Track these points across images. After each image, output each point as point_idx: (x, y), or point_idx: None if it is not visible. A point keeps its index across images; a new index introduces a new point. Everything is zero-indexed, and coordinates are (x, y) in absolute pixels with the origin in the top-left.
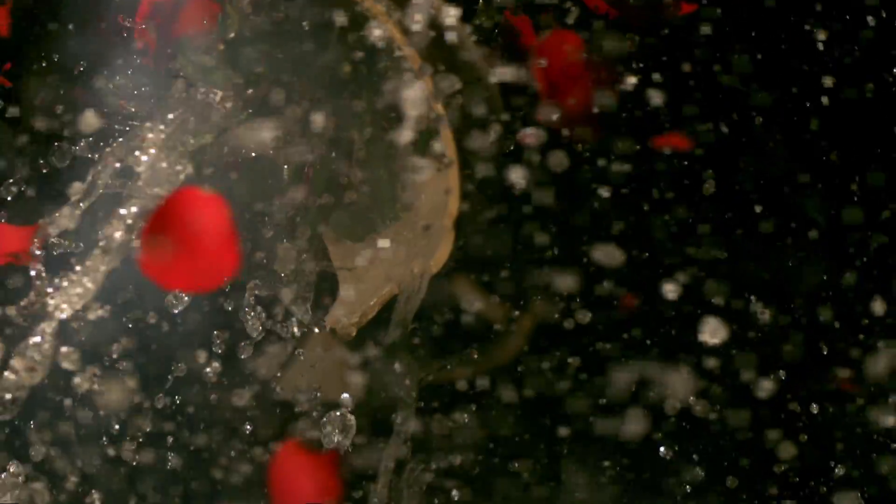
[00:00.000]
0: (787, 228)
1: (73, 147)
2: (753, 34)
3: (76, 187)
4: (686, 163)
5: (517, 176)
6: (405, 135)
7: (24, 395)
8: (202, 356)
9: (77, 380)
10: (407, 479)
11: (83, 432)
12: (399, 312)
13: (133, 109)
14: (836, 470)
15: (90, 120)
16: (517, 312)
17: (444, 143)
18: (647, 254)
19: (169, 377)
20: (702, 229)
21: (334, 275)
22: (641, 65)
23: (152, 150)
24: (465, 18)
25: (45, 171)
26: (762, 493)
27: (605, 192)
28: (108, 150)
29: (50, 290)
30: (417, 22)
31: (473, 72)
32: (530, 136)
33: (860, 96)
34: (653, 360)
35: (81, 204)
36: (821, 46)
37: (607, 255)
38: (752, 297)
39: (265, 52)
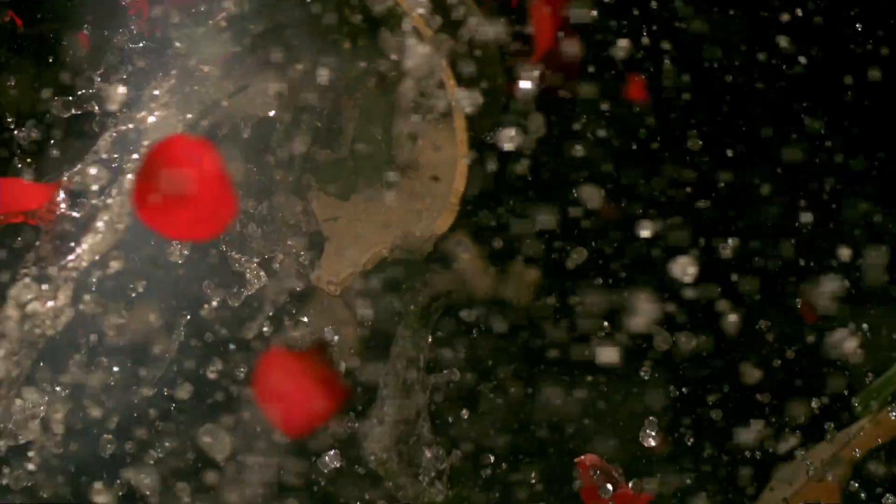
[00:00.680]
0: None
1: (83, 105)
2: None
3: (86, 145)
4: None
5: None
6: (405, 92)
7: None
8: (204, 300)
9: (106, 315)
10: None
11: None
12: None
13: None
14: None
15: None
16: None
17: (456, 118)
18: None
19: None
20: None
21: (322, 231)
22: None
23: (156, 113)
24: None
25: (59, 129)
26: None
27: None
28: (114, 109)
29: (71, 244)
30: None
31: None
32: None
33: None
34: (627, 290)
35: (95, 161)
36: None
37: (590, 195)
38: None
39: (266, 13)
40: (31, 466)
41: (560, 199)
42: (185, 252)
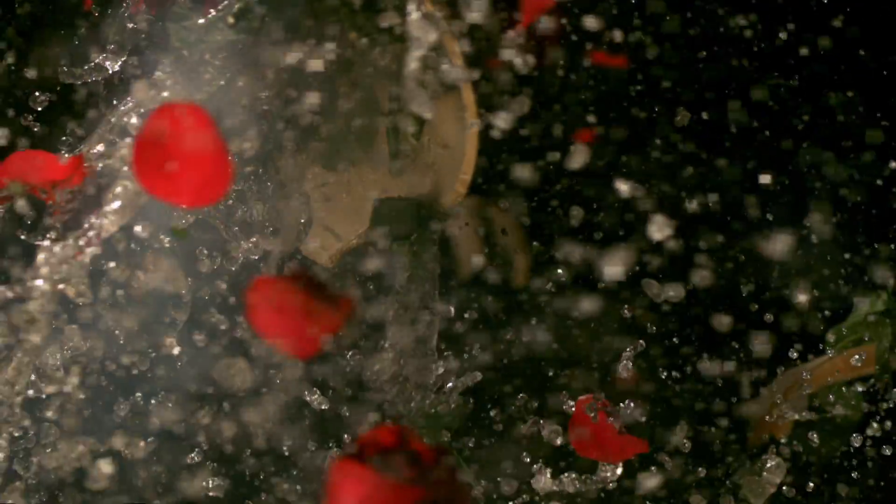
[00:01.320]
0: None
1: (91, 75)
2: None
3: (98, 117)
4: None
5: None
6: (409, 66)
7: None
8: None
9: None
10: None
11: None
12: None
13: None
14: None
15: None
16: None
17: (464, 92)
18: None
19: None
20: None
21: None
22: None
23: (165, 92)
24: None
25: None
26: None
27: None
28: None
29: (94, 213)
30: None
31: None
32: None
33: None
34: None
35: (111, 132)
36: None
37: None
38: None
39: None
40: (70, 406)
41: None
42: (190, 218)
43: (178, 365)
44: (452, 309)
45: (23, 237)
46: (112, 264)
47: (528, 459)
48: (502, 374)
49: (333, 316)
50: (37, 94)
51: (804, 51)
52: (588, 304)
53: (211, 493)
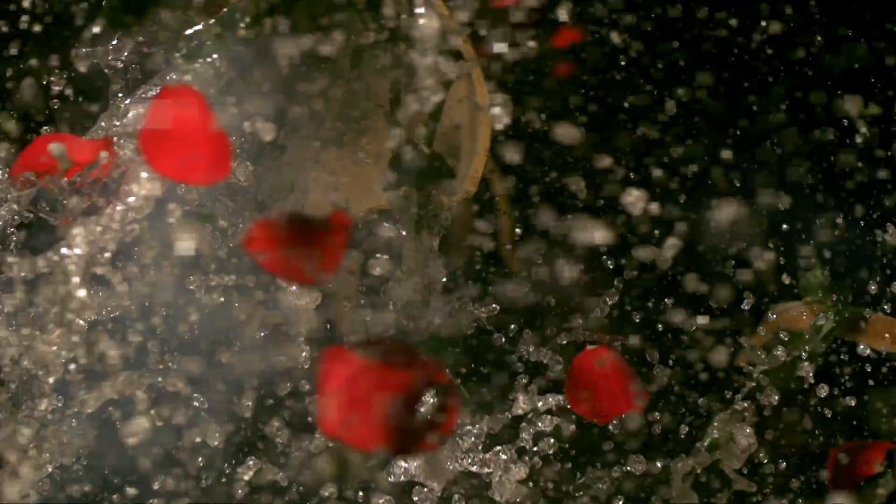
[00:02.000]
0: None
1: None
2: None
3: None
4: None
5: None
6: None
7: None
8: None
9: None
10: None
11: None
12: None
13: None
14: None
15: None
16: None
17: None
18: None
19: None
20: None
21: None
22: None
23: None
24: None
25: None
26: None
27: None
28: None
29: (125, 195)
30: None
31: None
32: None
33: None
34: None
35: (129, 116)
36: None
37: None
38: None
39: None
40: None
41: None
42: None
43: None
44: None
45: (50, 218)
46: (137, 235)
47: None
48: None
49: (330, 255)
50: (52, 79)
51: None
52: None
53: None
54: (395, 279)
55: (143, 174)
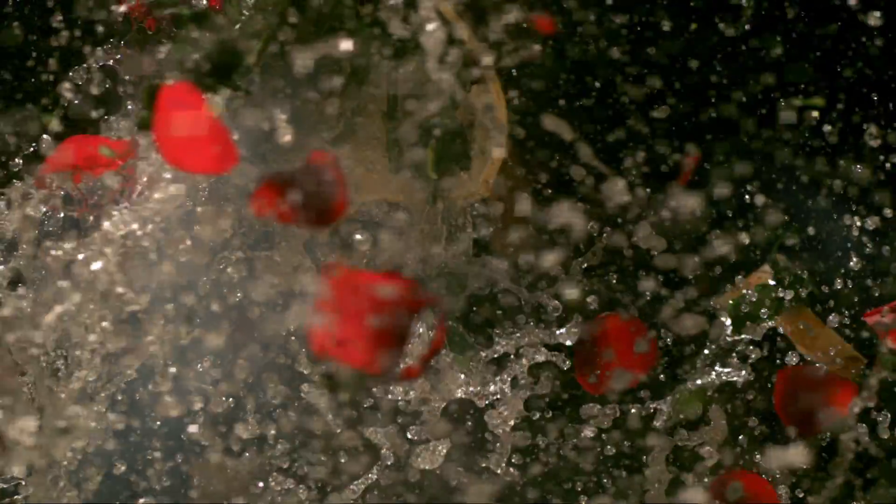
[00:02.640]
0: None
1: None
2: None
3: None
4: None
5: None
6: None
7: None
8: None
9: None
10: None
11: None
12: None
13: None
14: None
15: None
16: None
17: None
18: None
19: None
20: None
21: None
22: None
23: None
24: None
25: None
26: None
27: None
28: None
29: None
30: None
31: None
32: None
33: None
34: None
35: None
36: None
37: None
38: None
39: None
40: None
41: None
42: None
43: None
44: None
45: (74, 213)
46: (164, 226)
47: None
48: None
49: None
50: (66, 85)
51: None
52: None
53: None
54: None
55: (167, 174)
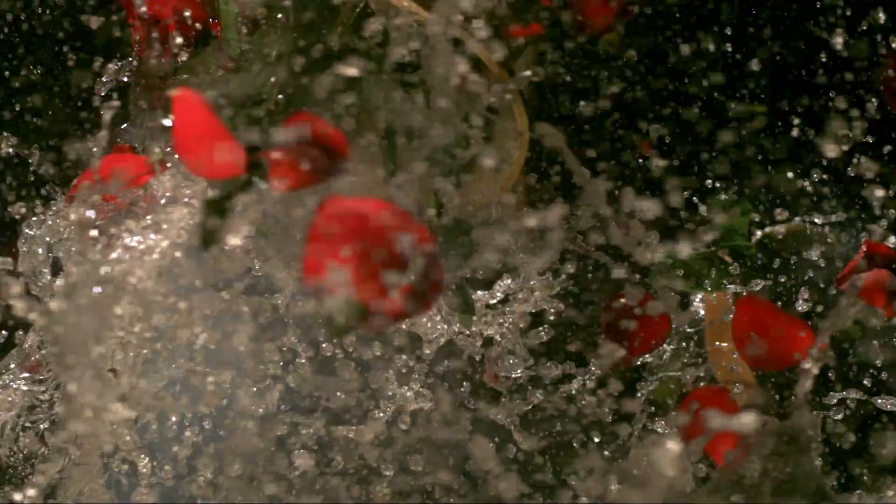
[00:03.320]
0: None
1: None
2: None
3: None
4: None
5: None
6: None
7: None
8: None
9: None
10: None
11: None
12: None
13: None
14: None
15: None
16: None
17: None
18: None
19: None
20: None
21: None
22: None
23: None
24: None
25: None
26: None
27: None
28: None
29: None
30: None
31: None
32: None
33: None
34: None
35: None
36: None
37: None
38: None
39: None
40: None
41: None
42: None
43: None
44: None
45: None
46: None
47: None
48: None
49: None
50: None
51: None
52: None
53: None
54: None
55: (186, 190)
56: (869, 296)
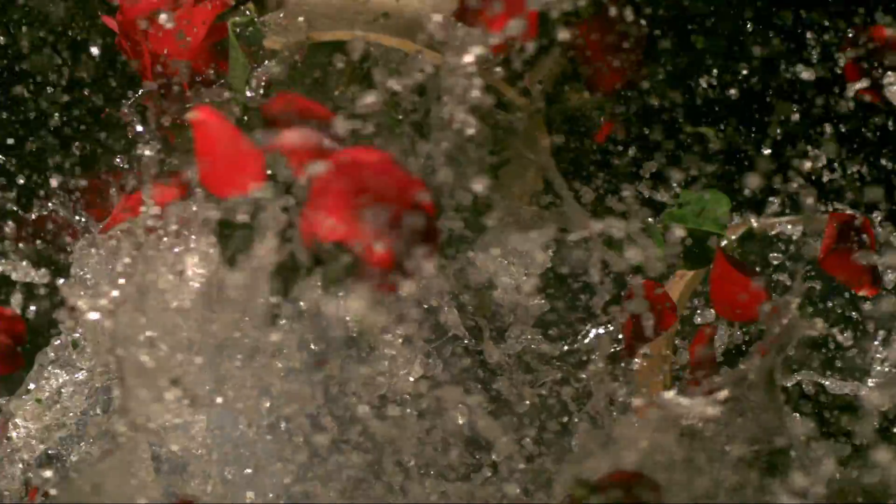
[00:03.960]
0: None
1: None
2: None
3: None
4: None
5: None
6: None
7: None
8: None
9: None
10: None
11: None
12: None
13: None
14: None
15: None
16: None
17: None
18: None
19: None
20: None
21: None
22: None
23: None
24: None
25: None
26: None
27: None
28: None
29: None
30: None
31: None
32: None
33: None
34: None
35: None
36: None
37: None
38: None
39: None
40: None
41: None
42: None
43: None
44: None
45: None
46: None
47: None
48: None
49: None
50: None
51: None
52: None
53: None
54: None
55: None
56: (849, 276)
